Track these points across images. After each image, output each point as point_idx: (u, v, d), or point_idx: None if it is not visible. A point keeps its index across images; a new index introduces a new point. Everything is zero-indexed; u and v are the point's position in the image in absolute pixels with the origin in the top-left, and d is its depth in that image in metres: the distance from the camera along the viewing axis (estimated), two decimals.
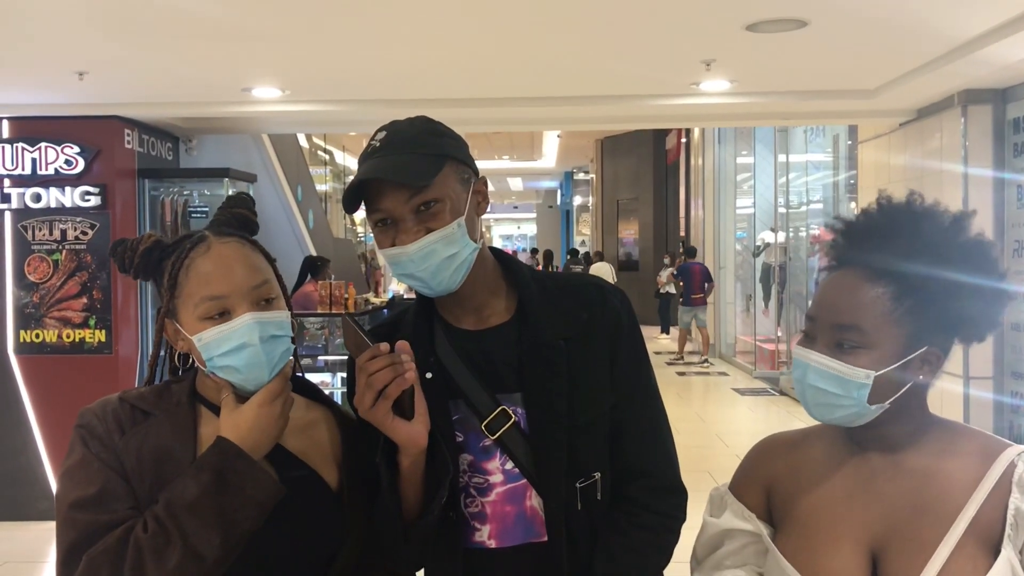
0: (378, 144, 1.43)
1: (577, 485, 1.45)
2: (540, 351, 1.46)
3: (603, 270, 15.50)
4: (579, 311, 1.50)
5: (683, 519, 1.51)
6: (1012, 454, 1.28)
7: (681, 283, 12.51)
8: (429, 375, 1.45)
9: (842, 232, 1.38)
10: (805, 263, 10.13)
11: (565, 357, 1.46)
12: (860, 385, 1.26)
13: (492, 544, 1.46)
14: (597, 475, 1.47)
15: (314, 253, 7.43)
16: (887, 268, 1.28)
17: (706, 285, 12.32)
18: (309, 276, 6.93)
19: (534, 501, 1.46)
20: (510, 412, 1.45)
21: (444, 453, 1.39)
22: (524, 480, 1.45)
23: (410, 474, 1.38)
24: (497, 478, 1.46)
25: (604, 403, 1.48)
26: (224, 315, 1.34)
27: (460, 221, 1.41)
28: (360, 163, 1.44)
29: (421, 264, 1.40)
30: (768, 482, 1.44)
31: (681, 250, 13.87)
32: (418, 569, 1.53)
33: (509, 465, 1.46)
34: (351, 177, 1.48)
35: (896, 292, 1.27)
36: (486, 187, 1.52)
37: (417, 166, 1.38)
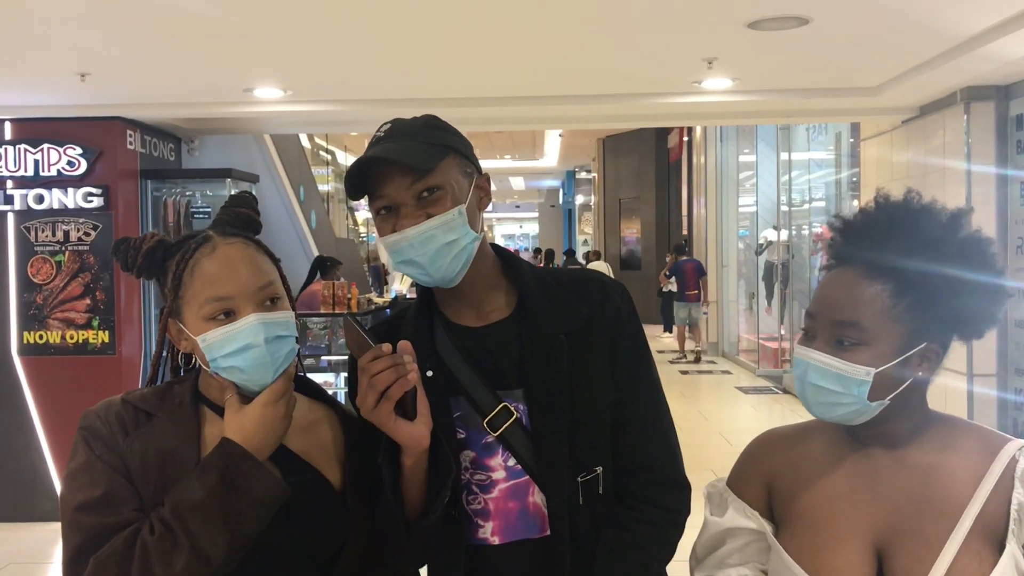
0: (383, 134, 1.44)
1: (579, 480, 1.45)
2: (541, 347, 1.46)
3: (600, 268, 15.49)
4: (580, 306, 1.50)
5: (687, 513, 1.51)
6: (1013, 449, 1.28)
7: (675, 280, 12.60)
8: (430, 372, 1.45)
9: (841, 230, 1.38)
10: (808, 261, 10.11)
11: (566, 352, 1.46)
12: (860, 382, 1.27)
13: (495, 540, 1.47)
14: (599, 469, 1.47)
15: (316, 253, 7.43)
16: (886, 265, 1.28)
17: (700, 281, 12.40)
18: (318, 275, 6.93)
19: (536, 497, 1.46)
20: (512, 408, 1.45)
21: (447, 453, 1.39)
22: (526, 476, 1.45)
23: (413, 474, 1.38)
24: (499, 474, 1.46)
25: (605, 398, 1.48)
26: (229, 315, 1.34)
27: (461, 209, 1.42)
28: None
29: (420, 249, 1.40)
30: (768, 478, 1.44)
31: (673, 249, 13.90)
32: (421, 566, 1.53)
33: (511, 461, 1.46)
34: None
35: (895, 289, 1.28)
36: (488, 184, 1.52)
37: (420, 151, 1.40)
